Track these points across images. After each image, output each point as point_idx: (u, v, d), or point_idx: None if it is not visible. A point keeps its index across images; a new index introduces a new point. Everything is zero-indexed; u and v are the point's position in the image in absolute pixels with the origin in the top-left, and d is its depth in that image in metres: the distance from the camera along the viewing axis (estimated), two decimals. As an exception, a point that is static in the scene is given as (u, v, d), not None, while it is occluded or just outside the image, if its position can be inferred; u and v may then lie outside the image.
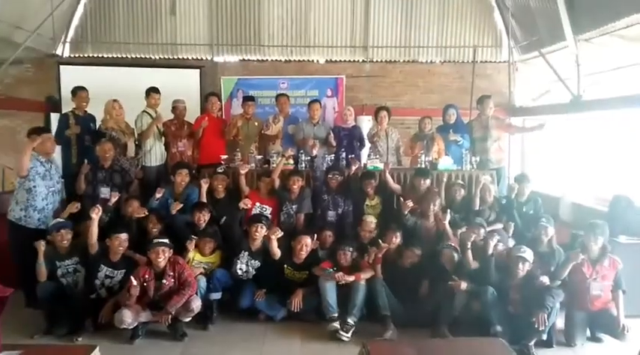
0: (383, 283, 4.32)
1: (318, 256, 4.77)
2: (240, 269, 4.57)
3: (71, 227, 4.37)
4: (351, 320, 4.12)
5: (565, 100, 6.97)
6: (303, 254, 4.55)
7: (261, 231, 4.58)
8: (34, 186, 4.53)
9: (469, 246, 4.31)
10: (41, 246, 4.10)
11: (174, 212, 4.81)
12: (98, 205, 4.35)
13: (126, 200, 4.94)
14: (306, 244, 4.56)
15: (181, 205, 4.85)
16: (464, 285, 4.10)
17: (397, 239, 4.69)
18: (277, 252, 4.51)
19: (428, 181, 5.30)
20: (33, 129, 4.79)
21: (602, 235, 4.17)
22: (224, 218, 4.98)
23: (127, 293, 3.94)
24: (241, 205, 4.93)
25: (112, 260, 4.25)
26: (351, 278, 4.32)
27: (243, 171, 5.21)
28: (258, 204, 5.23)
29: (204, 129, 5.92)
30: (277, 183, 5.31)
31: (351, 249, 4.54)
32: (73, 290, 4.24)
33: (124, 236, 4.25)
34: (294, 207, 5.23)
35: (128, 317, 3.89)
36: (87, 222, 4.34)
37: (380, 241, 4.52)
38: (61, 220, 4.41)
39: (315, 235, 4.73)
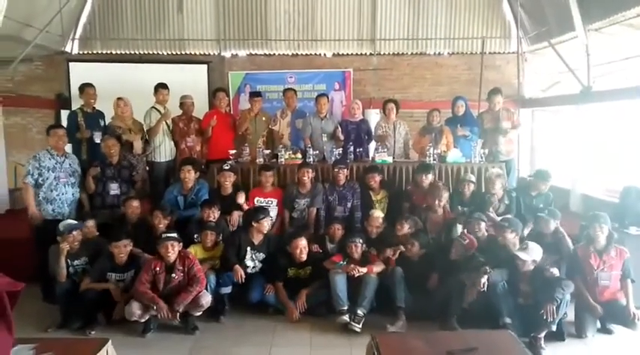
0: (402, 274, 4.31)
1: (325, 248, 4.82)
2: (248, 266, 4.57)
3: (81, 227, 4.43)
4: (360, 312, 4.14)
5: (575, 91, 6.91)
6: (303, 256, 4.54)
7: (268, 224, 4.63)
8: (43, 180, 4.74)
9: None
10: (65, 247, 4.19)
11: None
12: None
13: (124, 201, 4.91)
14: (304, 246, 4.54)
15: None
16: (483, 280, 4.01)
17: (403, 228, 4.68)
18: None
19: (430, 176, 5.26)
20: (48, 126, 5.16)
21: (606, 224, 4.15)
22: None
23: (141, 289, 3.97)
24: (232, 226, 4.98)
25: (118, 264, 4.28)
26: (364, 270, 4.33)
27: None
28: (262, 198, 5.24)
29: (213, 126, 5.95)
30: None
31: (361, 241, 4.55)
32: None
33: (123, 242, 4.23)
34: (305, 201, 5.22)
35: (137, 309, 3.95)
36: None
37: (401, 246, 4.53)
38: (72, 222, 4.46)
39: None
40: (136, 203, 4.84)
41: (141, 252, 4.43)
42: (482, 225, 4.55)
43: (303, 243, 4.55)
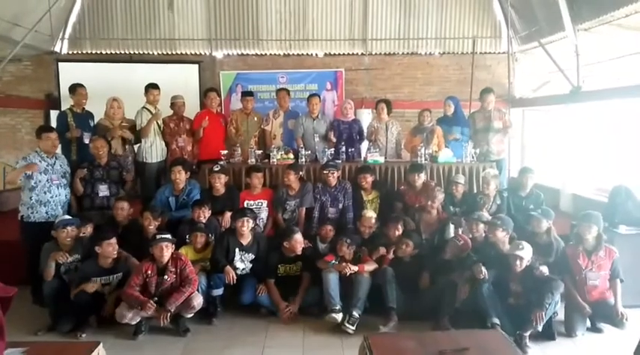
0: (393, 274, 4.31)
1: (317, 248, 4.81)
2: (238, 268, 4.54)
3: (77, 224, 4.39)
4: (355, 313, 4.13)
5: (565, 91, 6.96)
6: (299, 250, 4.57)
7: (247, 225, 4.55)
8: (35, 183, 4.66)
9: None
10: (59, 257, 4.19)
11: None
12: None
13: (116, 200, 4.89)
14: (300, 242, 4.55)
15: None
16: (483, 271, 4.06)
17: (399, 231, 4.68)
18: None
19: (422, 175, 5.27)
20: (38, 128, 5.03)
21: (597, 224, 4.19)
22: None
23: (129, 292, 3.94)
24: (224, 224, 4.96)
25: (103, 267, 4.20)
26: (356, 268, 4.32)
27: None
28: (251, 201, 5.21)
29: (204, 127, 5.92)
30: None
31: (349, 240, 4.54)
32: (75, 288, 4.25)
33: (114, 240, 4.19)
34: (295, 202, 5.22)
35: (128, 311, 3.93)
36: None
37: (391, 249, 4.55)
38: (68, 217, 4.45)
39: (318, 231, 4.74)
40: (125, 204, 4.80)
41: (129, 256, 4.37)
42: (481, 226, 4.56)
43: (299, 237, 4.55)
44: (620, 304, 4.06)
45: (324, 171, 5.27)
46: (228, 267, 4.41)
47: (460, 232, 4.77)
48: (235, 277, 4.40)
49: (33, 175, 4.63)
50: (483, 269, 4.03)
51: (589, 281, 4.13)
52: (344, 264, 4.37)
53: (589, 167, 6.80)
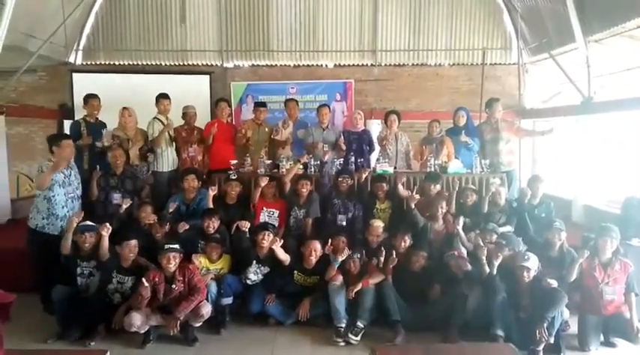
0: (391, 287, 4.30)
1: (330, 262, 4.78)
2: (250, 279, 4.52)
3: (95, 231, 4.38)
4: (360, 324, 4.11)
5: (576, 102, 6.92)
6: (313, 259, 4.54)
7: (267, 239, 4.53)
8: (54, 195, 4.55)
9: (484, 252, 4.24)
10: (79, 216, 4.29)
11: (181, 231, 4.76)
12: (107, 224, 4.32)
13: (139, 205, 5.00)
14: (315, 249, 4.54)
15: (187, 227, 4.82)
16: None
17: (406, 242, 4.66)
18: (286, 258, 4.52)
19: (438, 186, 5.28)
20: (53, 136, 4.91)
21: (617, 238, 4.13)
22: (235, 226, 4.97)
23: (137, 297, 3.96)
24: (241, 227, 4.84)
25: (123, 266, 4.28)
26: (359, 287, 4.30)
27: (263, 183, 5.15)
28: (264, 208, 5.25)
29: (215, 135, 5.98)
30: (288, 186, 5.33)
31: (359, 255, 4.53)
32: (86, 293, 4.28)
33: (133, 242, 4.27)
34: (302, 211, 5.24)
35: (138, 320, 3.93)
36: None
37: (392, 253, 4.50)
38: (89, 223, 4.44)
39: (330, 240, 4.69)
40: (150, 208, 4.90)
41: (145, 260, 4.40)
42: (494, 237, 4.55)
43: (317, 246, 4.55)
44: (635, 319, 4.00)
45: (339, 179, 5.32)
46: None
47: (466, 243, 4.74)
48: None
49: (53, 187, 4.52)
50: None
51: (605, 295, 4.06)
52: (337, 274, 4.38)
53: (601, 178, 6.74)
